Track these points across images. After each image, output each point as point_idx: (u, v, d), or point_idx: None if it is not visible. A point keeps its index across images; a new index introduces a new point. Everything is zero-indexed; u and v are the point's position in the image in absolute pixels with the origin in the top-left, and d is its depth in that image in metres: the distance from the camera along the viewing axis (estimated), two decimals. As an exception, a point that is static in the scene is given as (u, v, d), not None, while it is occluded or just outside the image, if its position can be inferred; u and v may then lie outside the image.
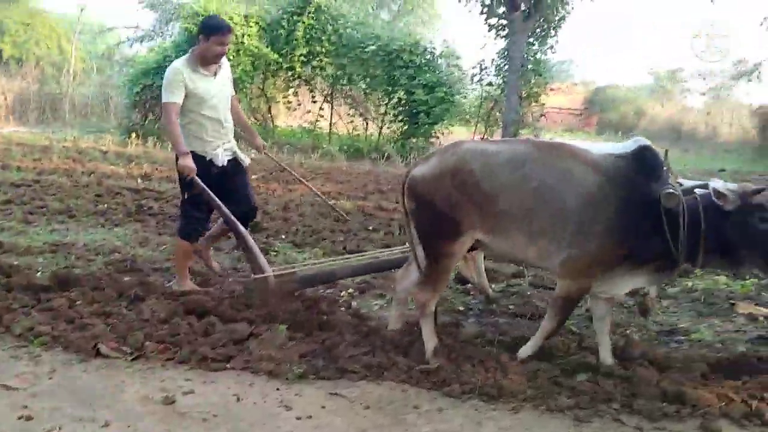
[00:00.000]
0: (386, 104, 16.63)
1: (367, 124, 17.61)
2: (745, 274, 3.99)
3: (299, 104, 17.53)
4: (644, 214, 3.29)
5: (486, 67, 16.89)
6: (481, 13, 16.50)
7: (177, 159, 4.39)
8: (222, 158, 4.61)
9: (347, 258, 4.87)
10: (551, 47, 16.51)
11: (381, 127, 17.00)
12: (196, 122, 4.48)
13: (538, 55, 16.42)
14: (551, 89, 18.05)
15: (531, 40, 16.32)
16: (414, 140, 15.74)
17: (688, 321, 4.61)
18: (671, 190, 3.24)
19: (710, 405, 3.02)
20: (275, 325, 3.83)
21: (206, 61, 4.46)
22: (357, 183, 11.24)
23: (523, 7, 15.81)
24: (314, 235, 6.70)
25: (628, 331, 4.27)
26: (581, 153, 3.43)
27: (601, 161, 3.38)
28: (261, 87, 17.65)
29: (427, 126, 15.70)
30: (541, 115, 17.34)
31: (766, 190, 3.22)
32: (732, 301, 4.94)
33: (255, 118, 18.06)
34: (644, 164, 3.37)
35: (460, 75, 17.57)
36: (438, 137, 16.25)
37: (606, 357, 3.55)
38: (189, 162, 4.34)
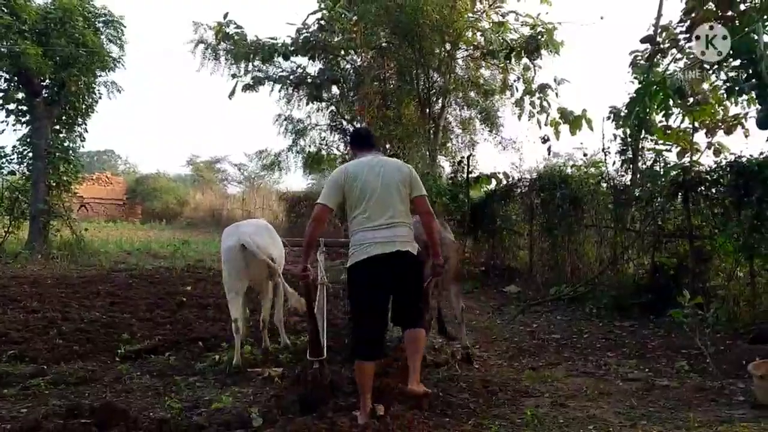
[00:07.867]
0: None
1: None
2: None
3: None
4: None
5: (7, 155, 15.30)
6: (-3, 97, 15.02)
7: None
8: None
9: None
10: (80, 135, 15.88)
11: None
12: None
13: (66, 143, 15.58)
14: (91, 179, 17.29)
15: (57, 127, 15.47)
16: None
17: (213, 392, 4.74)
18: None
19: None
20: None
21: None
22: None
23: (45, 93, 14.95)
24: None
25: (152, 414, 4.16)
26: None
27: None
28: None
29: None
30: (81, 206, 16.39)
31: None
32: (249, 369, 5.27)
33: None
34: None
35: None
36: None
37: None
38: None
